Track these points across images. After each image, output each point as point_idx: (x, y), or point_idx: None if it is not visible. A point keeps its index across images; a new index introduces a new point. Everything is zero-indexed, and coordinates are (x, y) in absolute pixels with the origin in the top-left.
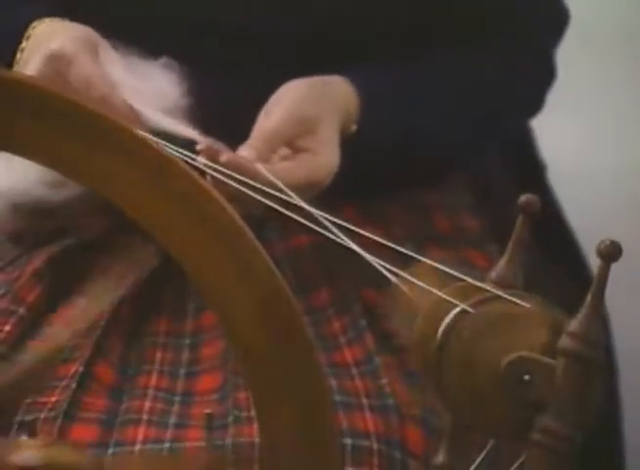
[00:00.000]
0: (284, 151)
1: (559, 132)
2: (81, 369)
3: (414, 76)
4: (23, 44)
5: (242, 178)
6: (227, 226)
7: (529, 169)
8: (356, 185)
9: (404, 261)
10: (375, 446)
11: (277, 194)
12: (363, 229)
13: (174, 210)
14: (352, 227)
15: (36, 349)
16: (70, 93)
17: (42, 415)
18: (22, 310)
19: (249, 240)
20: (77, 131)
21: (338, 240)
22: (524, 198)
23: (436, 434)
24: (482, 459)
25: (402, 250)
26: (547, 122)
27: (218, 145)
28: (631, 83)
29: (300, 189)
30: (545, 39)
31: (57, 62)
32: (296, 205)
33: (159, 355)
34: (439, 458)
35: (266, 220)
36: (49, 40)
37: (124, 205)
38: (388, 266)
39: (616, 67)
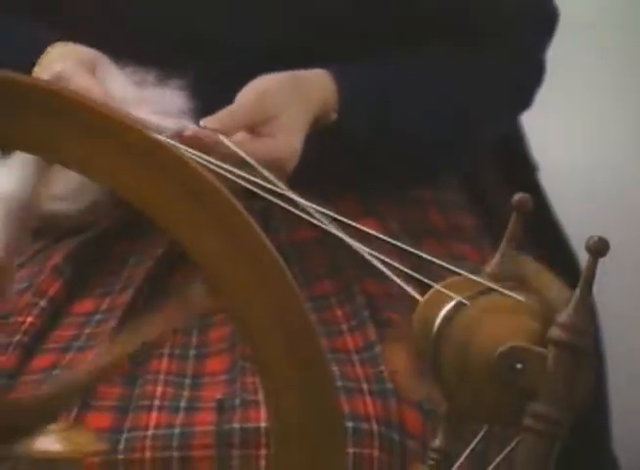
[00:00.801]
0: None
1: (546, 131)
2: None
3: (395, 70)
4: (36, 69)
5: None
6: (231, 216)
7: (521, 169)
8: (341, 173)
9: (399, 255)
10: (375, 428)
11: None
12: (361, 223)
13: (177, 199)
14: (348, 221)
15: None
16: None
17: None
18: (43, 303)
19: (250, 226)
20: (86, 130)
21: (324, 227)
22: (517, 197)
23: (432, 416)
24: (477, 443)
25: (398, 244)
26: (534, 121)
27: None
28: (617, 82)
29: (265, 164)
30: (532, 38)
31: (59, 80)
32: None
33: (168, 340)
34: (437, 442)
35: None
36: (55, 61)
37: (131, 198)
38: (379, 256)
39: (602, 64)
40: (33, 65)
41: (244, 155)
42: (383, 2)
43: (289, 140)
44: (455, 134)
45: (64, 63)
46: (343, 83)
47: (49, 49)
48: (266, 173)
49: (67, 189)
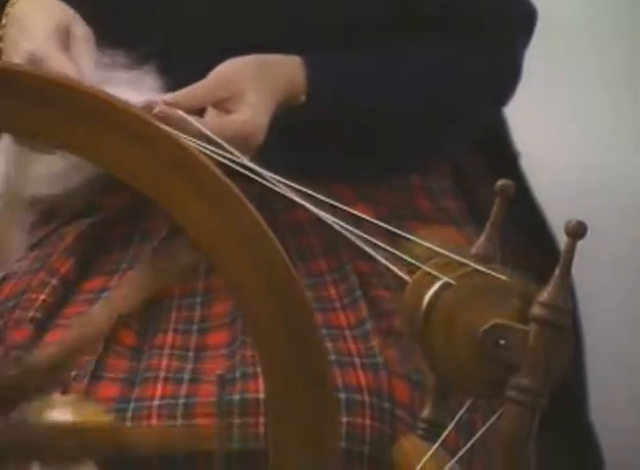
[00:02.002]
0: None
1: (528, 121)
2: (106, 333)
3: (365, 56)
4: (4, 21)
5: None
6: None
7: (504, 157)
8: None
9: (389, 237)
10: (367, 398)
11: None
12: (354, 207)
13: (177, 182)
14: (341, 205)
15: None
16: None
17: (72, 374)
18: (55, 281)
19: (248, 209)
20: (84, 114)
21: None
22: (500, 183)
23: (420, 387)
24: (463, 413)
25: (387, 227)
26: (518, 111)
27: (156, 100)
28: (594, 66)
29: (231, 141)
30: (512, 37)
31: (33, 61)
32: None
33: (173, 315)
34: (425, 413)
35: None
36: (24, 23)
37: (125, 178)
38: (369, 238)
39: (584, 59)
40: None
41: (206, 131)
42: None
43: (254, 115)
44: (425, 117)
45: (34, 31)
46: (313, 67)
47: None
48: (230, 148)
49: (46, 173)
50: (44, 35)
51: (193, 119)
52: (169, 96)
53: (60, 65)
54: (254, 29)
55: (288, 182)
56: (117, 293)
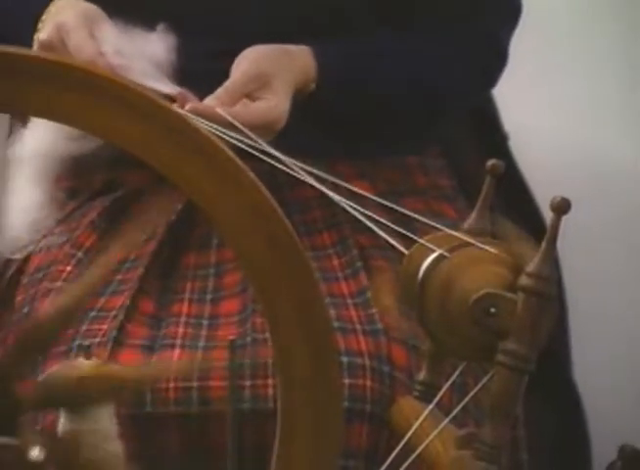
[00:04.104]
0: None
1: (517, 104)
2: (127, 302)
3: (368, 46)
4: (44, 16)
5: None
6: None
7: (494, 138)
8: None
9: (388, 212)
10: (367, 362)
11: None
12: (355, 184)
13: (183, 157)
14: (340, 182)
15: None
16: (68, 55)
17: (96, 340)
18: (80, 254)
19: (251, 180)
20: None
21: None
22: (490, 163)
23: (416, 352)
24: (457, 376)
25: (385, 202)
26: (507, 95)
27: (189, 95)
28: (580, 46)
29: (257, 127)
30: (497, 22)
31: (60, 30)
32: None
33: (189, 285)
34: (421, 376)
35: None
36: (59, 14)
37: (137, 154)
38: (367, 212)
39: (569, 43)
40: (38, 17)
41: (235, 122)
42: None
43: (278, 102)
44: (423, 102)
45: (66, 14)
46: (322, 57)
47: (52, 4)
48: (253, 136)
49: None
50: (74, 16)
51: (223, 112)
52: (208, 101)
53: (81, 40)
54: (282, 23)
55: (301, 165)
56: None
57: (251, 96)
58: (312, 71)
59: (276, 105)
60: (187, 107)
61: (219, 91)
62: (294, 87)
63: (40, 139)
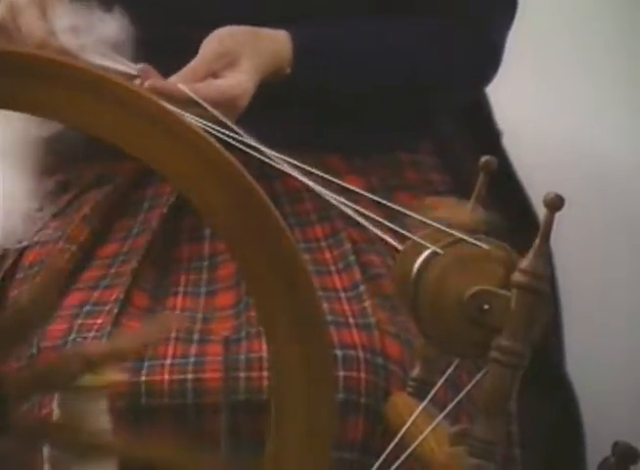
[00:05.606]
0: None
1: (511, 102)
2: (122, 296)
3: (349, 27)
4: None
5: None
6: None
7: (487, 135)
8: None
9: (379, 207)
10: (361, 355)
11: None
12: (346, 179)
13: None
14: (329, 177)
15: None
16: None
17: (91, 334)
18: (74, 248)
19: (236, 167)
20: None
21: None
22: (483, 159)
23: (409, 345)
24: (450, 373)
25: (376, 198)
26: (501, 93)
27: (151, 71)
28: (570, 38)
29: (218, 104)
30: (493, 19)
31: (12, 10)
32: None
33: (183, 278)
34: (415, 372)
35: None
36: None
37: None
38: (359, 209)
39: (564, 40)
40: None
41: (195, 97)
42: None
43: (241, 79)
44: (407, 88)
45: None
46: (299, 41)
47: None
48: (215, 112)
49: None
50: None
51: (186, 89)
52: (173, 80)
53: (32, 19)
54: (239, 4)
55: (287, 158)
56: None
57: (216, 75)
58: (287, 55)
59: (238, 83)
60: (147, 83)
61: (185, 69)
62: (262, 69)
63: (14, 128)
